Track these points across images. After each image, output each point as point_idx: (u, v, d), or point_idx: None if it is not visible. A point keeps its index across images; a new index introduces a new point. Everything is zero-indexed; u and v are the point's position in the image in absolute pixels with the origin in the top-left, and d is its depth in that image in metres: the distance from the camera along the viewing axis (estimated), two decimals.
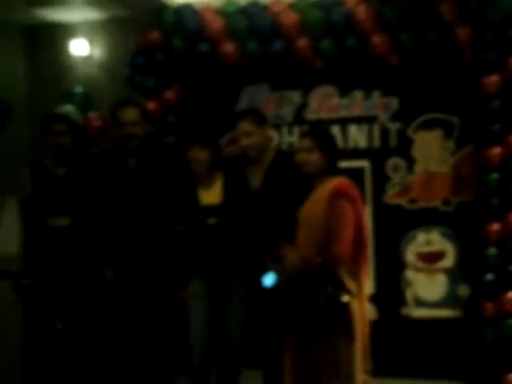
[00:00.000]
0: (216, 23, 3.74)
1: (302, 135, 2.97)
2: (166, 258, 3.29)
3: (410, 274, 3.87)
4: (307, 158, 2.77)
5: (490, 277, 3.57)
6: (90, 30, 4.32)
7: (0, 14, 3.95)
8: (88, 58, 4.34)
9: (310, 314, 2.60)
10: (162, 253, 3.29)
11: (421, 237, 3.85)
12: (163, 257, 3.29)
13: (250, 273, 3.11)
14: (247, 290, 3.16)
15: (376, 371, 2.80)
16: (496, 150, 3.54)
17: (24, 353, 3.24)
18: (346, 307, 2.61)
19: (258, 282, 2.90)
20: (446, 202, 3.80)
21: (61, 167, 3.24)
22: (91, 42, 4.32)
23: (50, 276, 3.14)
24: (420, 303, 3.85)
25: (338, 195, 2.66)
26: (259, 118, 3.18)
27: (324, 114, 3.93)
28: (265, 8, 3.73)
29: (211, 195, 3.14)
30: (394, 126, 3.85)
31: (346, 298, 2.61)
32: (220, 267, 3.12)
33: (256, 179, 3.18)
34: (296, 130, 3.94)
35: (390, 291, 3.86)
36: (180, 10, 3.84)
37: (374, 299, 3.61)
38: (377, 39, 3.59)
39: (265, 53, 3.75)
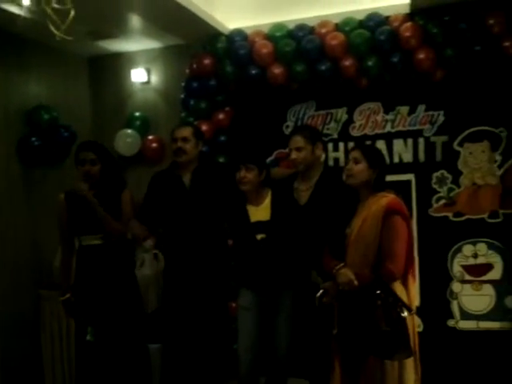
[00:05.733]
0: (265, 47, 3.55)
1: (351, 149, 2.75)
2: (217, 271, 3.14)
3: (456, 286, 3.52)
4: (353, 168, 2.55)
5: None
6: (147, 58, 4.26)
7: (66, 46, 3.90)
8: (146, 85, 4.28)
9: (371, 332, 2.31)
10: (213, 266, 3.13)
11: (467, 249, 3.49)
12: (214, 269, 3.13)
13: (298, 285, 2.93)
14: (294, 302, 2.95)
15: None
16: None
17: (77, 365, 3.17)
18: (403, 322, 2.32)
19: (305, 295, 2.72)
20: (494, 214, 3.44)
21: (91, 190, 3.06)
22: (149, 70, 4.26)
23: (86, 292, 3.03)
24: (467, 315, 3.50)
25: (392, 212, 2.43)
26: (312, 135, 3.00)
27: (369, 130, 3.65)
28: (312, 30, 3.52)
29: (260, 212, 2.96)
30: (439, 140, 3.52)
31: (405, 313, 2.32)
32: (268, 280, 2.93)
33: (304, 195, 2.98)
34: (341, 146, 3.69)
35: (437, 303, 3.52)
36: (231, 36, 3.68)
37: (420, 311, 3.25)
38: (422, 55, 3.30)
39: (312, 73, 3.53)
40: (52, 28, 1.86)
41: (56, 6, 1.79)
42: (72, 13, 1.86)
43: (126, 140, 4.14)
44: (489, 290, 3.48)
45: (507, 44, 3.17)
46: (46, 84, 3.97)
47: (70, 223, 3.04)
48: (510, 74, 3.32)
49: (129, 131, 4.16)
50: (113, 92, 4.35)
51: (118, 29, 3.75)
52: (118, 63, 4.31)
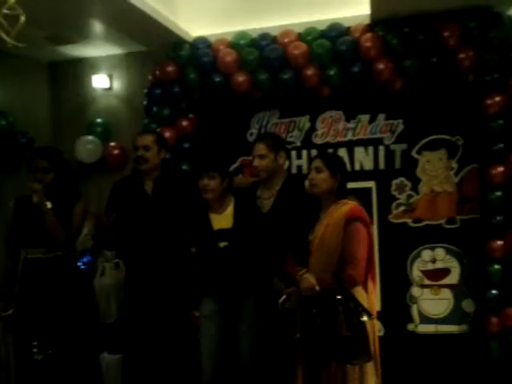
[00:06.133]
0: (229, 55, 3.56)
1: (313, 158, 2.80)
2: (179, 279, 3.12)
3: (415, 291, 3.61)
4: (316, 177, 2.59)
5: (494, 292, 3.35)
6: (110, 64, 4.22)
7: (25, 51, 3.73)
8: (108, 91, 4.23)
9: (332, 337, 2.35)
10: (175, 273, 3.11)
11: (426, 254, 3.59)
12: (177, 277, 3.11)
13: (260, 292, 2.94)
14: (257, 309, 2.96)
15: None
16: (499, 169, 3.32)
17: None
18: (364, 327, 2.36)
19: (268, 301, 2.74)
20: (451, 220, 3.56)
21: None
22: (111, 76, 4.21)
23: (30, 306, 2.89)
24: (426, 319, 3.59)
25: (353, 219, 2.49)
26: (274, 143, 3.03)
27: (331, 138, 3.71)
28: (274, 39, 3.55)
29: (223, 220, 2.96)
30: (398, 148, 3.61)
31: (365, 318, 2.36)
32: (231, 288, 2.93)
33: (267, 202, 3.01)
34: (304, 153, 3.73)
35: (397, 308, 3.59)
36: (195, 44, 3.67)
37: (381, 316, 3.32)
38: (381, 65, 3.37)
39: (275, 82, 3.55)
40: (2, 34, 1.82)
41: (6, 11, 1.75)
42: (22, 18, 1.82)
43: (87, 147, 4.08)
44: (447, 294, 3.58)
45: (462, 56, 3.28)
46: (2, 89, 3.87)
47: (17, 233, 2.91)
48: (464, 86, 3.43)
49: (90, 138, 4.09)
50: (73, 98, 4.28)
51: (78, 34, 3.69)
52: (79, 69, 4.25)
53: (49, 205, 2.83)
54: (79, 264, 3.79)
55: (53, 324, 2.86)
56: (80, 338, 2.93)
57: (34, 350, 2.82)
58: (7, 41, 1.74)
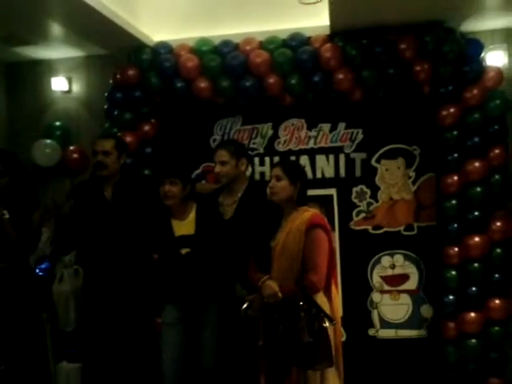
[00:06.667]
0: (190, 61, 3.55)
1: (273, 165, 2.85)
2: (140, 286, 3.09)
3: (376, 296, 3.68)
4: (276, 185, 2.62)
5: (450, 298, 3.45)
6: (69, 67, 4.16)
7: None
8: (67, 94, 4.17)
9: (294, 344, 2.36)
10: (137, 280, 3.08)
11: (385, 260, 3.67)
12: (138, 284, 3.08)
13: (222, 299, 2.94)
14: (220, 316, 2.96)
15: None
16: (454, 178, 3.43)
17: None
18: (325, 332, 2.39)
19: (230, 308, 2.73)
20: (409, 227, 3.65)
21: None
22: (70, 79, 4.15)
23: None
24: (386, 324, 3.67)
25: (314, 226, 2.53)
26: (236, 150, 3.05)
27: (293, 146, 3.75)
28: (236, 47, 3.57)
29: (184, 226, 2.94)
30: (358, 156, 3.69)
31: (327, 324, 2.39)
32: (193, 295, 2.92)
33: (229, 209, 3.02)
34: (267, 160, 3.75)
35: (358, 313, 3.66)
36: (156, 49, 3.65)
37: (343, 321, 3.31)
38: (341, 75, 3.44)
39: (237, 89, 3.57)
40: None
41: None
42: None
43: (45, 150, 3.99)
44: (406, 299, 3.66)
45: (418, 68, 3.37)
46: None
47: None
48: (420, 97, 3.52)
49: (48, 141, 4.00)
50: (31, 100, 4.19)
51: (37, 35, 3.62)
52: (38, 71, 4.17)
53: (6, 214, 2.70)
54: (37, 271, 3.71)
55: (6, 338, 2.73)
56: (31, 351, 2.81)
57: None
58: None
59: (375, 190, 3.67)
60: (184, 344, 2.95)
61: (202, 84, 3.56)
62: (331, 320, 2.43)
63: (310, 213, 2.58)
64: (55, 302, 3.59)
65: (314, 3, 2.74)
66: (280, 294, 2.43)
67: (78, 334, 3.42)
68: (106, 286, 3.04)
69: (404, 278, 3.66)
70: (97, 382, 3.12)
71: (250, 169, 3.54)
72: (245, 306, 2.59)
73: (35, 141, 4.00)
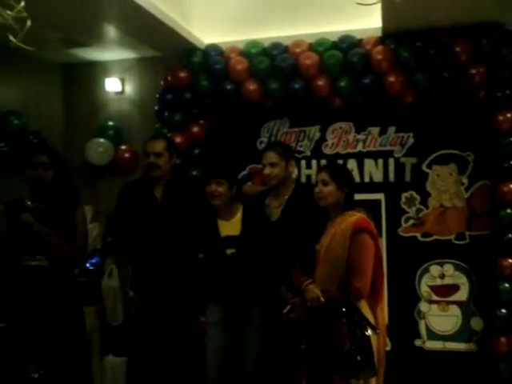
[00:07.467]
0: (240, 63, 3.60)
1: (319, 169, 2.82)
2: (186, 284, 3.13)
3: (424, 306, 3.59)
4: (323, 190, 2.59)
5: (503, 311, 3.32)
6: (122, 68, 4.29)
7: (40, 53, 3.89)
8: (120, 95, 4.30)
9: (335, 350, 2.34)
10: (182, 279, 3.13)
11: (434, 269, 3.58)
12: (183, 283, 3.13)
13: (267, 301, 2.95)
14: (263, 318, 2.98)
15: None
16: (510, 186, 3.31)
17: None
18: (368, 341, 2.36)
19: (274, 310, 2.73)
20: (460, 236, 3.55)
21: (40, 203, 2.71)
22: (123, 80, 4.28)
23: (25, 319, 2.66)
24: (434, 335, 3.57)
25: (360, 230, 2.48)
26: (285, 152, 3.07)
27: (341, 149, 3.72)
28: (286, 49, 3.59)
29: (230, 227, 2.98)
30: (408, 161, 3.61)
31: (369, 332, 2.36)
32: (236, 296, 2.95)
33: (276, 211, 3.04)
34: (314, 163, 3.74)
35: (404, 323, 3.58)
36: (207, 51, 3.72)
37: (388, 330, 3.27)
38: (392, 78, 3.40)
39: (285, 91, 3.59)
40: (10, 36, 1.89)
41: (10, 13, 1.82)
42: (28, 22, 1.88)
43: (98, 149, 4.14)
44: (455, 311, 3.56)
45: (473, 72, 3.29)
46: (17, 90, 3.96)
47: (9, 238, 2.66)
48: (475, 101, 3.44)
49: (101, 140, 4.15)
50: (86, 100, 4.35)
51: (92, 38, 3.77)
52: (92, 72, 4.32)
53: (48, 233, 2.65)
54: (87, 265, 3.83)
55: (48, 340, 2.66)
56: (72, 350, 2.73)
57: (31, 370, 2.62)
58: (13, 42, 1.80)
59: (425, 196, 3.59)
60: (226, 344, 2.98)
61: (251, 86, 3.60)
62: (374, 328, 2.38)
63: (356, 217, 2.54)
64: (103, 296, 3.72)
65: (373, 4, 2.68)
66: (322, 299, 2.41)
67: (126, 328, 3.51)
68: (153, 283, 3.10)
69: (454, 288, 3.56)
70: (141, 376, 3.20)
71: (296, 171, 3.54)
72: (287, 309, 2.58)
73: (89, 140, 4.16)
